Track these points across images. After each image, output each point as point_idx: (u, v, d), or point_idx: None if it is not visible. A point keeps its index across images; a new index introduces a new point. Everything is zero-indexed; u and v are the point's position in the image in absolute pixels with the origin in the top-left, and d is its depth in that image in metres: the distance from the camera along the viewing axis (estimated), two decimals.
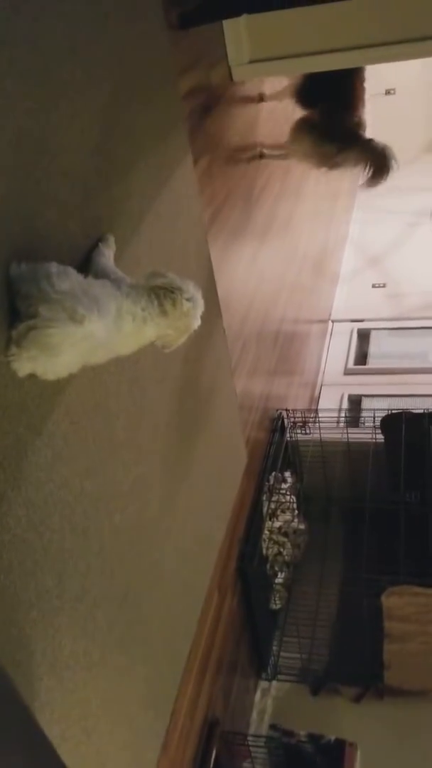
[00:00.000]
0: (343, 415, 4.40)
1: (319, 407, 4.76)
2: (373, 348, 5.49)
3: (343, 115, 3.18)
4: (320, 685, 3.58)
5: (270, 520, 3.63)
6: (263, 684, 3.67)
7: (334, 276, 6.04)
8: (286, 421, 3.99)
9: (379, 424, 3.97)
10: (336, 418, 4.19)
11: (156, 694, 2.18)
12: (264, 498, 3.55)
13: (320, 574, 3.80)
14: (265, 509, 3.54)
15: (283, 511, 3.76)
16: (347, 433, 4.00)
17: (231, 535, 3.03)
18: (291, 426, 4.04)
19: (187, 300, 1.56)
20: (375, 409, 4.10)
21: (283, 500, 3.78)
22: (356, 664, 3.46)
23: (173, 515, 2.28)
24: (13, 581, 1.38)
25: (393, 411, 3.98)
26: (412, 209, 6.99)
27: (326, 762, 3.04)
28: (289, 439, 4.01)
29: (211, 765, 2.70)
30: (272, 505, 3.66)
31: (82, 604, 1.67)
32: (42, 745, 1.17)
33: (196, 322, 1.62)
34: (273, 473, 3.71)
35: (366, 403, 4.87)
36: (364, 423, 4.17)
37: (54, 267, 1.36)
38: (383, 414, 3.98)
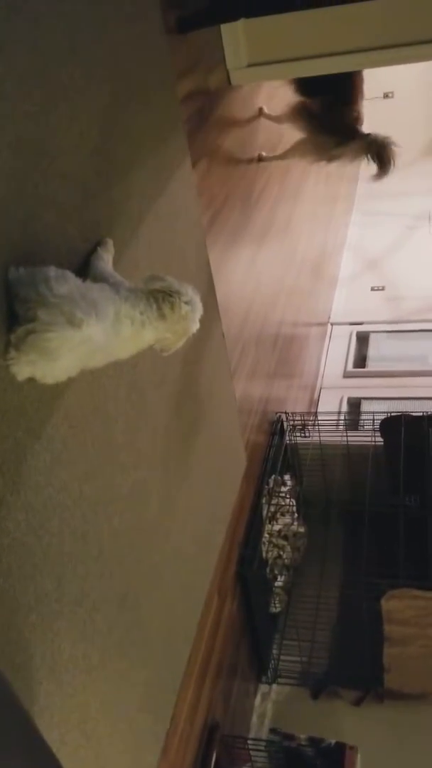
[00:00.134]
0: (342, 418, 4.40)
1: (318, 410, 4.76)
2: (372, 351, 5.48)
3: (342, 110, 3.19)
4: (320, 689, 3.58)
5: (270, 523, 3.63)
6: (263, 687, 3.67)
7: (332, 279, 6.05)
8: (285, 424, 3.99)
9: (378, 426, 3.97)
10: (335, 421, 4.19)
11: (156, 697, 2.18)
12: (263, 501, 3.54)
13: (320, 577, 3.79)
14: (264, 512, 3.54)
15: (282, 515, 3.76)
16: (347, 436, 4.00)
17: (230, 539, 3.03)
18: (290, 429, 4.04)
19: (186, 303, 1.56)
20: (374, 411, 4.10)
21: (283, 503, 3.78)
22: (356, 667, 3.46)
23: (172, 518, 2.28)
24: (12, 585, 1.38)
25: (392, 414, 3.98)
26: (410, 212, 7.00)
27: (327, 765, 3.03)
28: (288, 442, 4.01)
29: None
30: (272, 509, 3.65)
31: (82, 608, 1.67)
32: (41, 750, 1.16)
33: (195, 326, 1.62)
34: (272, 476, 3.71)
35: (365, 406, 4.87)
36: (363, 426, 4.17)
37: (52, 271, 1.36)
38: (382, 417, 3.98)
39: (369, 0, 2.27)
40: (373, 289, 6.10)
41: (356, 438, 4.02)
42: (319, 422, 4.07)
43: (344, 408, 4.86)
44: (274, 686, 3.66)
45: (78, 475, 1.64)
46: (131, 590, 1.95)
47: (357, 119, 3.23)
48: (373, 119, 3.32)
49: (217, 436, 2.75)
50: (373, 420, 4.00)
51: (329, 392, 5.09)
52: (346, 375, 5.25)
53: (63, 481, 1.57)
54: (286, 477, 3.91)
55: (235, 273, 2.97)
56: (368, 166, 3.28)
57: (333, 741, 3.10)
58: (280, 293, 3.86)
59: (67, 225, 1.57)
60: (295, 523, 3.84)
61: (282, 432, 3.95)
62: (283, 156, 3.47)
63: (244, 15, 2.45)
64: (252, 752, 3.06)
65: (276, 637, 3.73)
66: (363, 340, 5.62)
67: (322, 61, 2.63)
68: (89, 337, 1.33)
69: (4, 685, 1.12)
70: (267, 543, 3.58)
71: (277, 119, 3.36)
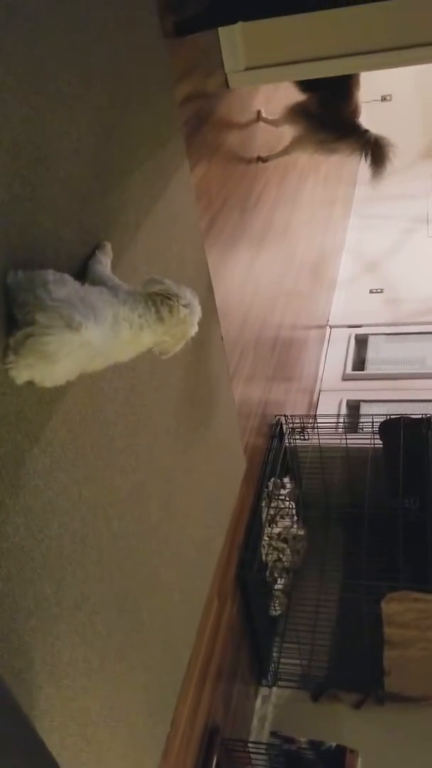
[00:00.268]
0: (341, 420, 4.40)
1: (317, 413, 4.76)
2: (371, 353, 5.48)
3: (339, 105, 3.20)
4: (321, 692, 3.57)
5: (269, 526, 3.63)
6: (264, 691, 3.66)
7: (331, 282, 6.05)
8: (284, 427, 3.99)
9: (377, 429, 3.96)
10: (334, 424, 4.19)
11: (156, 701, 2.17)
12: (263, 504, 3.54)
13: (320, 579, 3.79)
14: (264, 515, 3.54)
15: (282, 517, 3.76)
16: (346, 438, 4.00)
17: (230, 542, 3.03)
18: (290, 432, 4.04)
19: (184, 307, 1.56)
20: (373, 414, 4.10)
21: (283, 506, 3.78)
22: (356, 670, 3.46)
23: (172, 522, 2.28)
24: (11, 589, 1.38)
25: (391, 416, 3.98)
26: (408, 215, 7.01)
27: None
28: (287, 445, 4.01)
29: None
30: (271, 511, 3.65)
31: (81, 612, 1.67)
32: (41, 754, 1.16)
33: (194, 329, 1.62)
34: (272, 479, 3.71)
35: (364, 409, 4.87)
36: (362, 428, 4.17)
37: (51, 275, 1.36)
38: (382, 419, 3.98)
39: (364, 3, 2.28)
40: (371, 291, 6.11)
41: (355, 441, 4.02)
42: (319, 425, 4.07)
43: (343, 411, 4.86)
44: (275, 689, 3.66)
45: (77, 479, 1.64)
46: (131, 594, 1.95)
47: (354, 112, 3.24)
48: (370, 122, 3.32)
49: (217, 439, 2.75)
50: (372, 422, 4.00)
51: (328, 395, 5.09)
52: (345, 378, 5.25)
53: (62, 485, 1.57)
54: (286, 480, 3.91)
55: (234, 276, 2.97)
56: (365, 166, 3.30)
57: (333, 744, 3.09)
58: (278, 296, 3.86)
59: (65, 229, 1.57)
60: (295, 525, 3.84)
61: (281, 435, 3.95)
62: (283, 152, 3.47)
63: (242, 18, 2.46)
64: (252, 755, 3.06)
65: (276, 640, 3.72)
66: (362, 342, 5.62)
67: (320, 64, 2.63)
68: (88, 341, 1.33)
69: (3, 689, 1.12)
70: (267, 546, 3.58)
71: (275, 122, 3.37)
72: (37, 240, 1.46)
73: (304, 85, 3.20)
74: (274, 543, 3.66)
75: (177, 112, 2.25)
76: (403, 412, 4.04)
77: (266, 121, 3.32)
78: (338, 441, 4.01)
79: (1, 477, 1.34)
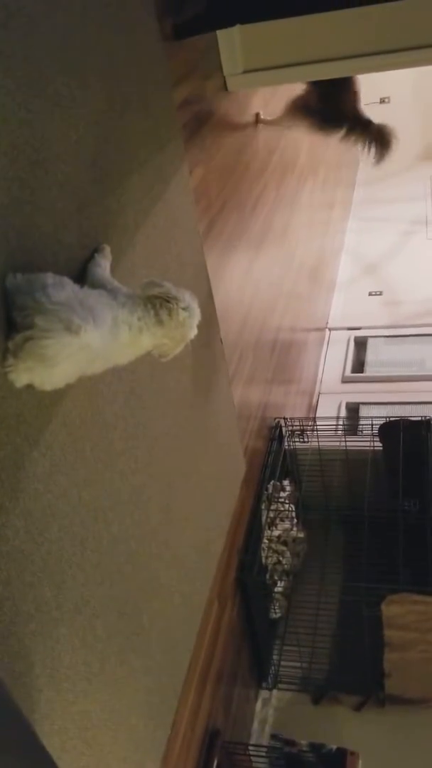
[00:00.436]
0: (341, 423, 4.40)
1: (317, 415, 4.76)
2: (371, 356, 5.49)
3: (339, 97, 3.19)
4: (321, 694, 3.57)
5: (269, 528, 3.62)
6: (264, 693, 3.66)
7: (330, 284, 6.06)
8: (284, 429, 3.99)
9: (377, 431, 3.96)
10: (334, 426, 4.19)
11: (156, 704, 2.17)
12: (263, 507, 3.54)
13: (320, 582, 3.79)
14: (264, 518, 3.54)
15: (282, 520, 3.75)
16: (345, 441, 4.00)
17: (230, 544, 3.03)
18: (289, 434, 4.04)
19: (184, 309, 1.56)
20: (373, 416, 4.10)
21: (282, 509, 3.78)
22: (357, 672, 3.45)
23: (172, 525, 2.27)
24: (11, 593, 1.37)
25: (391, 418, 3.98)
26: (407, 217, 7.01)
27: None
28: (287, 447, 4.01)
29: None
30: (271, 514, 3.65)
31: (81, 615, 1.67)
32: (42, 757, 1.16)
33: (193, 332, 1.62)
34: (272, 482, 3.70)
35: (364, 411, 4.87)
36: (362, 431, 4.17)
37: (50, 278, 1.36)
38: (381, 422, 3.98)
39: (363, 6, 2.28)
40: (370, 294, 6.11)
41: (355, 443, 4.02)
42: (318, 427, 4.07)
43: (343, 413, 4.87)
44: (275, 692, 3.66)
45: (77, 482, 1.64)
46: (131, 597, 1.95)
47: (355, 101, 3.23)
48: None
49: (216, 441, 2.75)
50: (372, 425, 3.99)
51: (328, 397, 5.09)
52: (345, 380, 5.25)
53: (62, 488, 1.57)
54: (285, 482, 3.91)
55: (233, 279, 2.98)
56: (368, 155, 3.30)
57: (334, 747, 3.09)
58: (278, 299, 3.86)
59: (64, 232, 1.57)
60: (295, 528, 3.84)
61: (281, 437, 3.95)
62: (280, 121, 3.45)
63: (240, 21, 2.46)
64: (253, 758, 3.05)
65: (276, 642, 3.72)
66: (361, 345, 5.62)
67: (319, 66, 2.64)
68: (87, 344, 1.33)
69: (3, 693, 1.12)
70: (266, 548, 3.58)
71: (275, 122, 3.35)
72: (36, 243, 1.46)
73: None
74: (273, 546, 3.66)
75: (175, 114, 2.25)
76: (403, 414, 4.04)
77: (266, 122, 3.32)
78: (338, 443, 4.01)
79: (1, 480, 1.34)
